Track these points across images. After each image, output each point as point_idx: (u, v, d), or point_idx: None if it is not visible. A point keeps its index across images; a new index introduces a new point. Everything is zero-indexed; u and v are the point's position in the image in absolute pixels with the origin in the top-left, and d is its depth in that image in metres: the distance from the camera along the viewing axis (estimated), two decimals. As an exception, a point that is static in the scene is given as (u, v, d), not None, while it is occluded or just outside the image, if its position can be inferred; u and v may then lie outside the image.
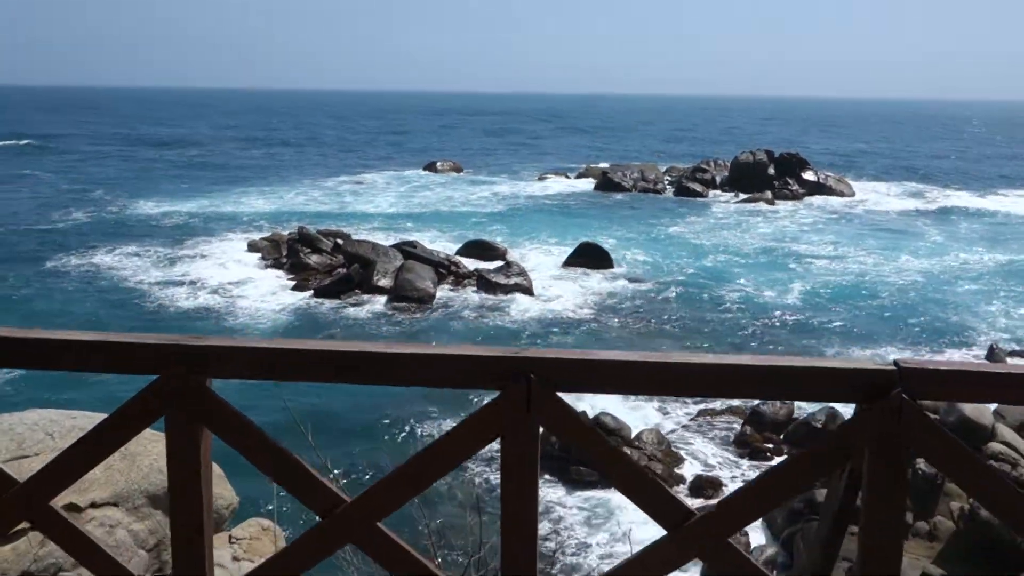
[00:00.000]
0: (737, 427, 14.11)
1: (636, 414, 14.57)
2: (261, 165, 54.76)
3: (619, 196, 41.96)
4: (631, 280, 23.81)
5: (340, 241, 24.83)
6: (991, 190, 46.77)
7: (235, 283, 22.64)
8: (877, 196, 43.07)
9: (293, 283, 22.46)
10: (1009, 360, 17.49)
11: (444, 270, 22.84)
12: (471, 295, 21.92)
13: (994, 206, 40.41)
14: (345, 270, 22.52)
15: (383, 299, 21.26)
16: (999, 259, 27.03)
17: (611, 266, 25.00)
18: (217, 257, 25.36)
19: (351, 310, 20.58)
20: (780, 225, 33.35)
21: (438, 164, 52.24)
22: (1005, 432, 10.80)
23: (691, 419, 14.56)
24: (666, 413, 14.82)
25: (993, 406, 12.43)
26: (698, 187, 42.62)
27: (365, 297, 21.39)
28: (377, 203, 37.92)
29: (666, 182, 44.76)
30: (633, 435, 13.11)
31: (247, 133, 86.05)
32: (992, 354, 17.81)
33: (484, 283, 22.29)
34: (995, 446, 10.53)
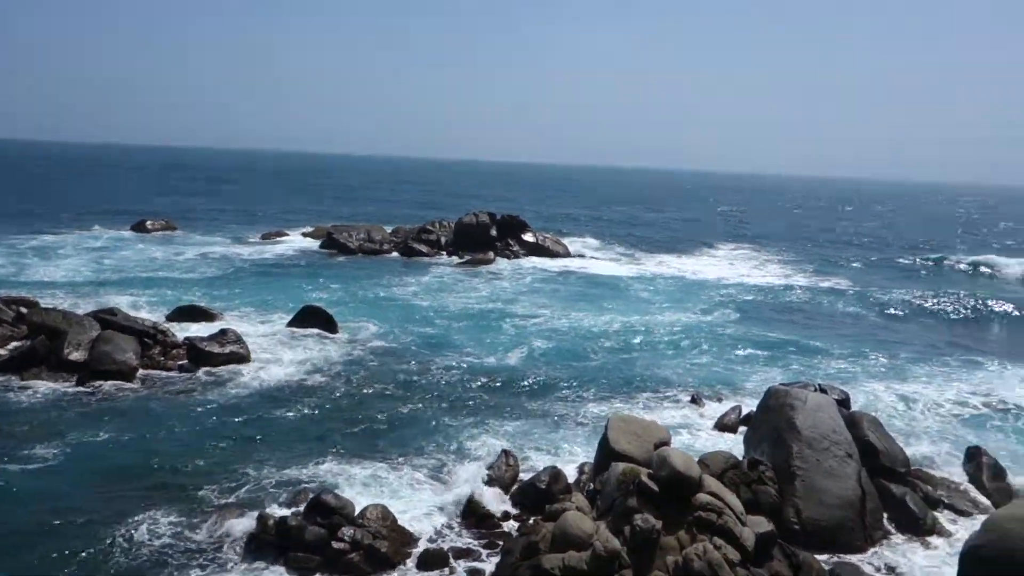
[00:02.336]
0: (462, 488, 13.87)
1: (366, 491, 13.93)
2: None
3: (344, 257, 41.33)
4: (355, 344, 23.20)
5: (24, 310, 22.00)
6: (691, 252, 51.41)
7: None
8: (593, 257, 45.75)
9: (-39, 360, 19.41)
10: (707, 404, 18.90)
11: (150, 339, 20.85)
12: (180, 367, 20.21)
13: (691, 266, 44.43)
14: (29, 342, 19.88)
15: (75, 376, 18.95)
16: (690, 317, 29.42)
17: (335, 330, 24.23)
18: None
19: (28, 392, 18.06)
20: (501, 286, 34.28)
21: (148, 223, 48.50)
22: (710, 483, 11.40)
23: (423, 487, 14.13)
24: (398, 494, 14.26)
25: (698, 457, 13.19)
26: (423, 248, 43.04)
27: (50, 374, 18.94)
28: (68, 265, 34.31)
29: (392, 243, 44.77)
30: (357, 512, 12.44)
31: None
32: (695, 400, 19.17)
33: (195, 353, 20.63)
34: (702, 497, 11.06)
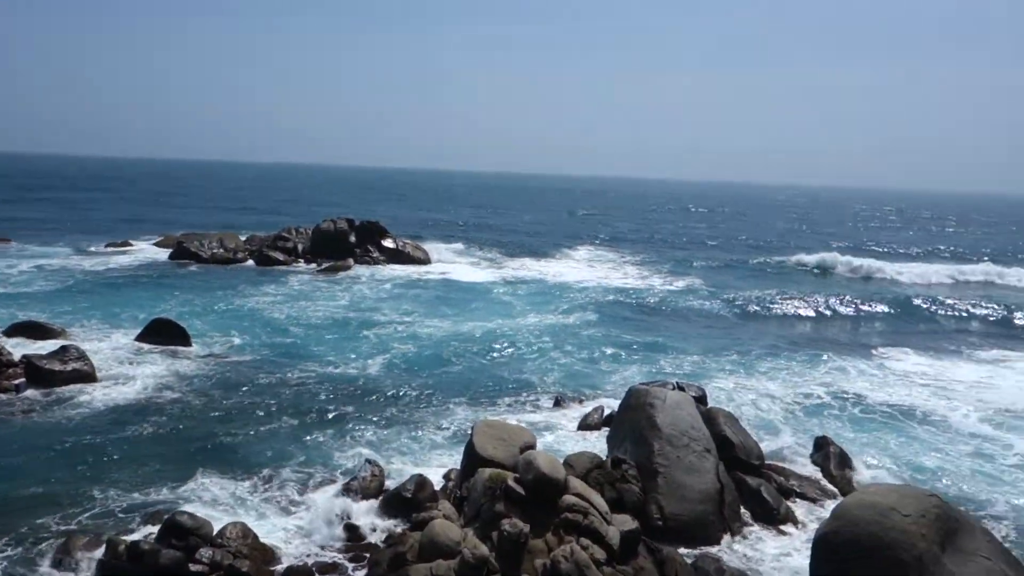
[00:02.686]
0: (327, 502, 13.46)
1: (225, 509, 13.29)
2: None
3: (196, 267, 39.63)
4: (210, 358, 22.23)
5: None
6: (552, 255, 52.13)
7: None
8: (454, 263, 45.69)
9: None
10: (571, 406, 19.14)
11: (-20, 359, 19.27)
12: (17, 387, 18.78)
13: (552, 269, 45.07)
14: None
15: None
16: (552, 320, 29.80)
17: (188, 343, 23.14)
18: None
19: None
20: (361, 293, 33.71)
21: (-24, 234, 45.12)
22: (576, 484, 11.49)
23: (285, 503, 13.62)
24: (258, 510, 13.68)
25: (563, 459, 13.29)
26: (280, 256, 41.83)
27: None
28: None
29: (247, 251, 43.28)
30: (215, 531, 11.84)
31: None
32: (558, 402, 19.38)
33: (35, 372, 19.21)
34: (568, 498, 11.13)
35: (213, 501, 13.52)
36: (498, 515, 10.94)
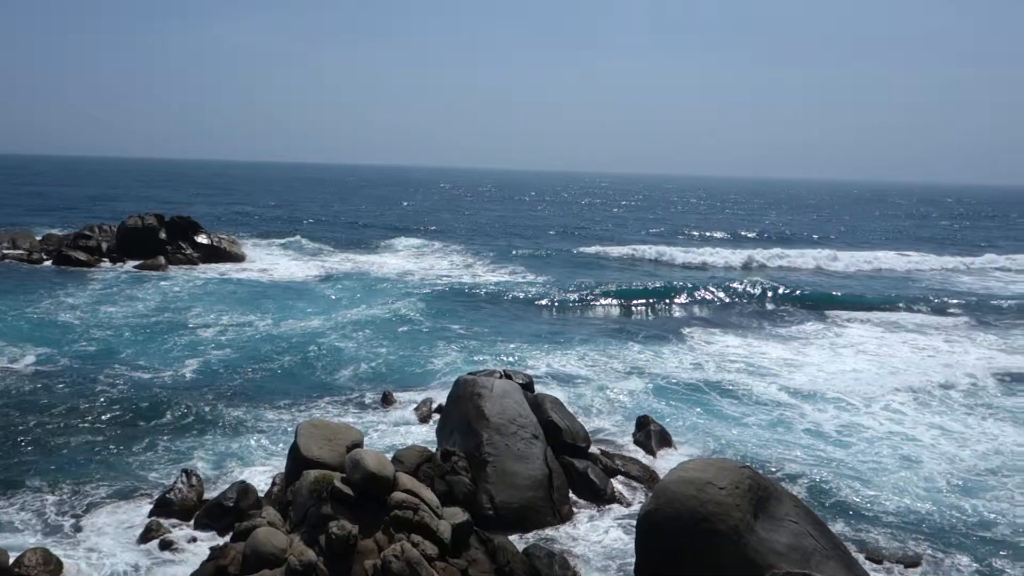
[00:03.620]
0: (141, 519, 12.64)
1: (24, 535, 12.16)
2: None
3: (-16, 270, 36.26)
4: (3, 371, 20.35)
5: None
6: (376, 248, 51.38)
7: None
8: (275, 258, 44.16)
9: None
10: (399, 400, 18.88)
11: None
12: None
13: (377, 262, 44.45)
14: None
15: None
16: (377, 313, 29.37)
17: (-26, 355, 21.08)
18: None
19: None
20: (173, 293, 31.96)
21: None
22: (405, 480, 11.29)
23: (93, 523, 12.61)
24: (63, 532, 12.62)
25: (391, 455, 13.07)
26: (82, 255, 38.94)
27: None
28: None
29: (43, 251, 40.03)
30: (12, 560, 10.81)
31: None
32: (386, 397, 19.08)
33: None
34: (398, 495, 10.92)
35: (11, 526, 12.37)
36: (325, 518, 10.59)
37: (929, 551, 12.60)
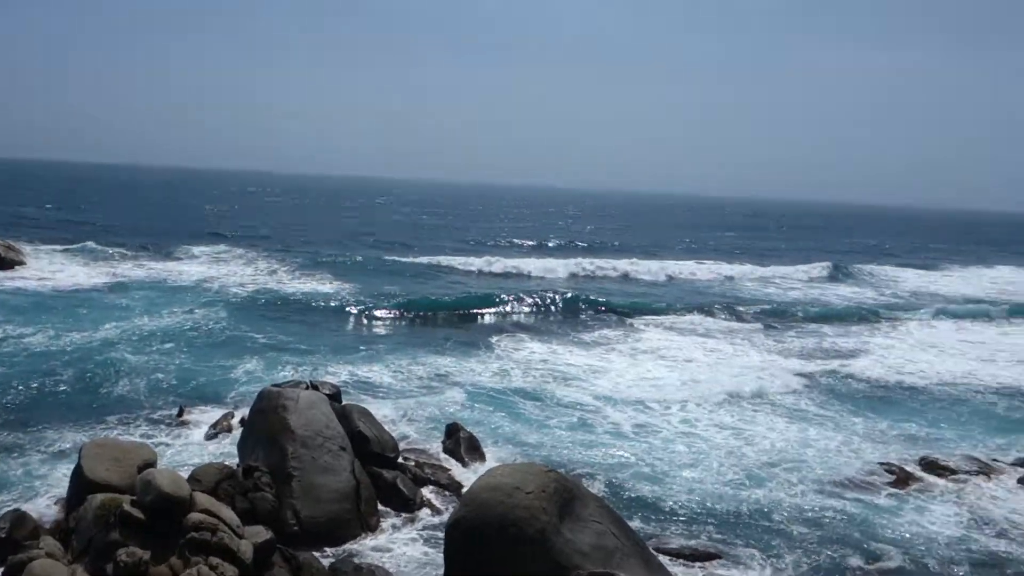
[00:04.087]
0: None
1: None
2: None
3: None
4: None
5: None
6: (174, 253, 48.53)
7: None
8: (57, 265, 40.72)
9: None
10: (196, 414, 17.87)
11: None
12: None
13: (175, 268, 42.04)
14: None
15: None
16: (174, 322, 27.83)
17: None
18: None
19: None
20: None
21: None
22: (202, 499, 10.72)
23: None
24: None
25: (188, 473, 12.37)
26: None
27: None
28: None
29: None
30: None
31: None
32: (182, 412, 18.03)
33: None
34: (194, 516, 10.34)
35: None
36: (113, 545, 9.87)
37: (722, 544, 13.41)
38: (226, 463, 13.25)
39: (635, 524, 13.33)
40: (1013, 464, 17.68)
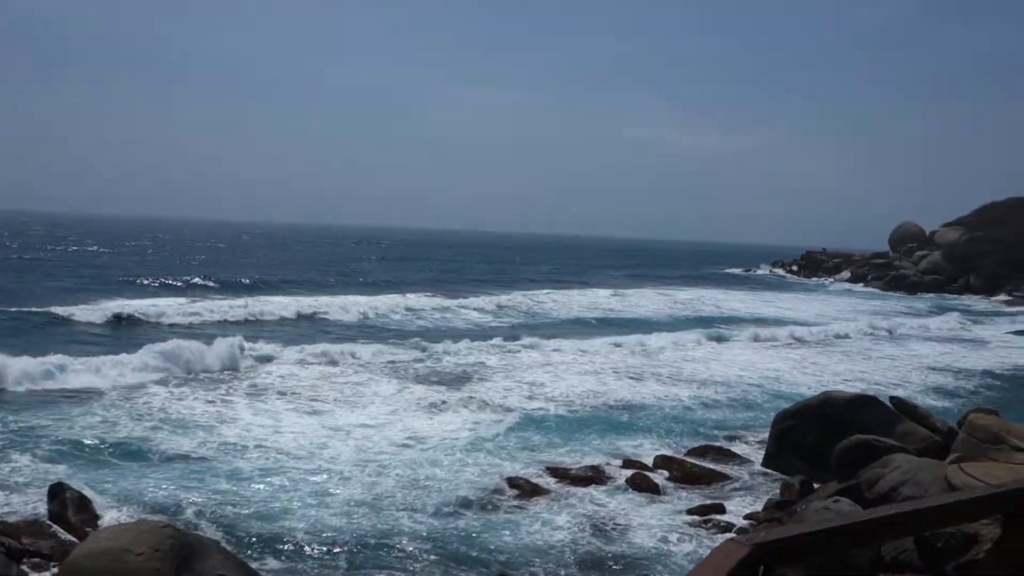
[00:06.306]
0: None
1: None
2: None
3: None
4: None
5: None
6: None
7: None
8: None
9: None
10: None
11: None
12: None
13: None
14: None
15: None
16: None
17: None
18: None
19: None
20: None
21: None
22: None
23: None
24: None
25: None
26: None
27: None
28: None
29: None
30: None
31: None
32: None
33: None
34: None
35: None
36: None
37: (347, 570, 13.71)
38: None
39: (269, 566, 13.21)
40: (622, 468, 19.60)
